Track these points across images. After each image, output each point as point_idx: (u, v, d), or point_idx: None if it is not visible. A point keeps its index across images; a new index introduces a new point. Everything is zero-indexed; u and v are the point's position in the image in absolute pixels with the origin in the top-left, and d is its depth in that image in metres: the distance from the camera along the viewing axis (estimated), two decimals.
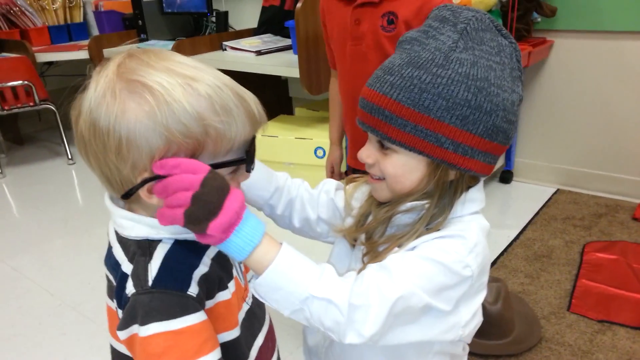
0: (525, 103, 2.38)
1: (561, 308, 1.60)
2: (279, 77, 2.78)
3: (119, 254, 0.62)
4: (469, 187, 0.71)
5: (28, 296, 1.85)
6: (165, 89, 0.54)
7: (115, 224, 0.64)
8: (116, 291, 0.61)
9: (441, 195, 0.68)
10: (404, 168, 0.67)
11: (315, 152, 2.25)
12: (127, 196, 0.59)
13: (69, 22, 3.42)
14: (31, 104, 2.92)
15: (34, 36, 3.23)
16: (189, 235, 0.61)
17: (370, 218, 0.75)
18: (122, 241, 0.63)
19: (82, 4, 3.46)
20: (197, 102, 0.55)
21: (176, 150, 0.56)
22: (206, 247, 0.63)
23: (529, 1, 2.08)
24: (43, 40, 3.28)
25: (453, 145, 0.64)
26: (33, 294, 1.86)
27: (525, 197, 2.35)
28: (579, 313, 1.56)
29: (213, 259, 0.64)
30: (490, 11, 2.07)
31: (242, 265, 0.73)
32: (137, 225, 0.61)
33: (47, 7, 3.31)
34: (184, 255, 0.61)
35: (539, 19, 2.18)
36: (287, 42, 2.55)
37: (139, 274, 0.59)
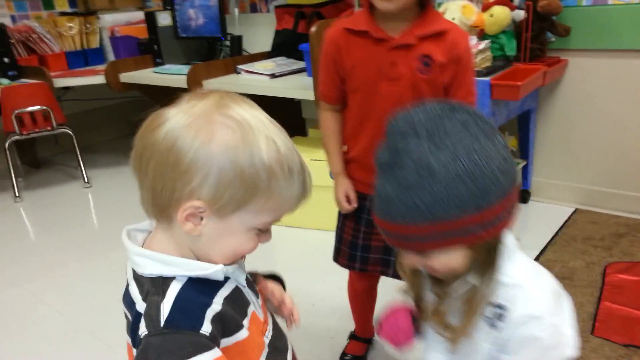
0: (540, 122, 2.37)
1: (585, 332, 1.56)
2: (292, 98, 2.80)
3: (134, 292, 0.63)
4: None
5: (45, 321, 1.85)
6: (254, 134, 0.59)
7: (131, 261, 0.64)
8: (131, 330, 0.62)
9: (485, 258, 0.75)
10: (449, 260, 0.73)
11: (330, 174, 2.24)
12: (161, 213, 0.61)
13: (85, 47, 3.48)
14: (49, 128, 2.96)
15: (52, 62, 3.30)
16: (201, 272, 0.62)
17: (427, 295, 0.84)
18: (138, 279, 0.63)
19: (98, 30, 3.52)
20: (273, 156, 0.60)
21: (234, 190, 0.59)
22: (219, 286, 0.64)
23: (542, 21, 2.08)
24: (60, 66, 3.34)
25: (480, 227, 0.68)
26: (50, 319, 1.86)
27: (544, 217, 2.32)
28: (603, 337, 1.53)
29: (226, 299, 0.64)
30: (503, 32, 2.08)
31: (260, 299, 0.73)
32: (151, 263, 0.62)
33: (65, 34, 3.38)
34: (196, 293, 0.62)
35: (553, 39, 2.18)
36: (301, 64, 2.57)
37: (151, 314, 0.59)
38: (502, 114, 2.02)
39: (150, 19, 3.11)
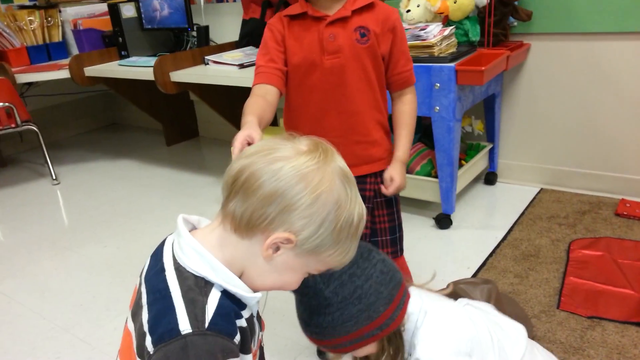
0: (505, 105, 2.43)
1: (551, 306, 1.63)
2: None
3: (172, 281, 0.65)
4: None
5: (20, 321, 1.83)
6: (355, 194, 0.68)
7: (180, 248, 0.67)
8: (155, 316, 0.63)
9: (395, 342, 0.93)
10: (366, 351, 0.92)
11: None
12: (247, 228, 0.66)
13: (47, 41, 3.40)
14: (13, 125, 2.89)
15: (13, 57, 3.21)
16: (238, 290, 0.67)
17: None
18: (179, 269, 0.66)
19: (60, 23, 3.44)
20: (358, 219, 0.68)
21: (324, 239, 0.65)
22: (244, 306, 0.69)
23: (505, 6, 2.13)
24: (22, 61, 3.25)
25: (378, 329, 0.87)
26: (25, 318, 1.84)
27: (510, 198, 2.39)
28: (569, 310, 1.60)
29: (247, 319, 0.69)
30: (467, 17, 2.12)
31: (262, 332, 0.79)
32: (201, 262, 0.65)
33: (25, 28, 3.29)
34: (231, 305, 0.66)
35: (516, 23, 2.23)
36: None
37: (197, 314, 0.62)
38: (468, 98, 2.07)
39: (113, 10, 3.04)
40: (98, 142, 3.84)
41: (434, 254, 2.00)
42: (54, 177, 3.07)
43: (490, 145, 2.45)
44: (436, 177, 2.14)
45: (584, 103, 2.25)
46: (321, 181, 0.63)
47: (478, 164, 2.40)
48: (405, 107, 1.25)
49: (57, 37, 3.44)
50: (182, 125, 3.65)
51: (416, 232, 2.15)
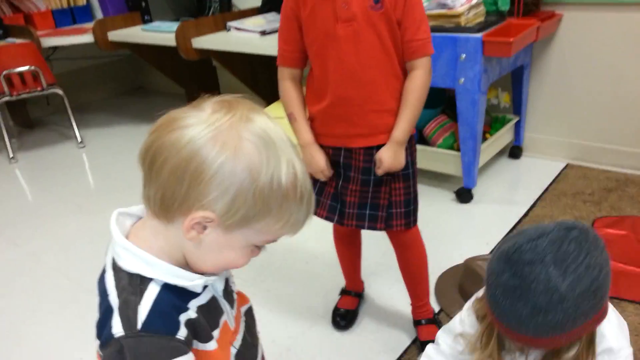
0: (534, 78, 2.36)
1: None
2: None
3: (110, 282, 0.63)
4: None
5: (46, 281, 1.90)
6: (277, 155, 0.59)
7: (114, 250, 0.64)
8: (99, 321, 0.62)
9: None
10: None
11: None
12: (165, 213, 0.60)
13: (72, 4, 3.40)
14: (39, 88, 2.93)
15: (38, 20, 3.23)
16: (179, 280, 0.62)
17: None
18: (116, 269, 0.63)
19: None
20: (290, 180, 0.60)
21: (248, 209, 0.59)
22: (194, 295, 0.65)
23: None
24: (47, 24, 3.27)
25: (597, 322, 0.82)
26: (50, 279, 1.91)
27: (535, 173, 2.34)
28: None
29: (200, 307, 0.65)
30: None
31: (234, 310, 0.74)
32: (134, 259, 0.62)
33: None
34: (173, 298, 0.62)
35: None
36: None
37: (129, 315, 0.59)
38: (495, 70, 2.01)
39: None
40: (123, 106, 3.88)
41: (453, 229, 1.99)
42: (80, 141, 3.12)
43: (517, 118, 2.39)
44: (458, 150, 2.10)
45: (617, 77, 2.17)
46: (223, 147, 0.57)
47: (503, 137, 2.35)
48: (412, 84, 1.19)
49: (81, 1, 3.43)
50: (205, 91, 3.64)
51: (436, 206, 2.13)
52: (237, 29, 2.56)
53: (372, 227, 1.32)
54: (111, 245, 0.65)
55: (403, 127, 1.21)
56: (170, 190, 0.58)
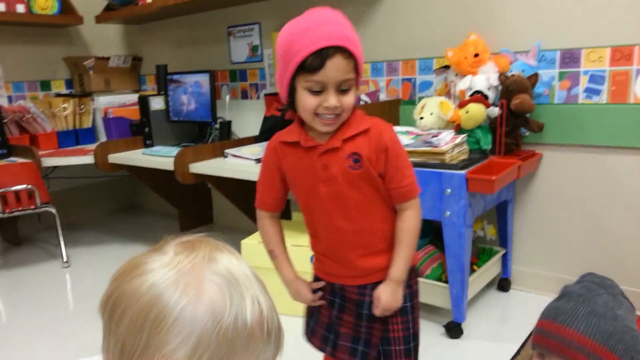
0: (518, 212, 2.43)
1: None
2: None
3: None
4: None
5: None
6: (241, 294, 0.58)
7: None
8: None
9: None
10: None
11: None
12: None
13: (77, 127, 3.56)
14: (32, 207, 2.96)
15: (43, 141, 3.36)
16: None
17: None
18: None
19: (92, 111, 3.63)
20: (256, 318, 0.58)
21: (211, 353, 0.56)
22: None
23: (516, 117, 2.19)
24: (51, 144, 3.40)
25: None
26: None
27: (525, 307, 2.31)
28: None
29: None
30: (479, 127, 2.18)
31: None
32: None
33: (58, 114, 3.47)
34: None
35: (527, 134, 2.29)
36: None
37: None
38: (480, 204, 2.08)
39: (143, 102, 3.22)
40: (114, 225, 3.89)
41: None
42: (65, 260, 3.08)
43: (504, 251, 2.42)
44: (447, 281, 2.09)
45: (595, 215, 2.24)
46: (185, 291, 0.55)
47: (491, 269, 2.36)
48: (404, 225, 1.22)
49: (87, 123, 3.61)
50: (197, 212, 3.70)
51: (425, 339, 2.03)
52: (234, 155, 2.68)
53: None
54: None
55: (400, 266, 1.21)
56: (130, 341, 0.56)
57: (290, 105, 1.16)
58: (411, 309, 1.28)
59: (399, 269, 1.21)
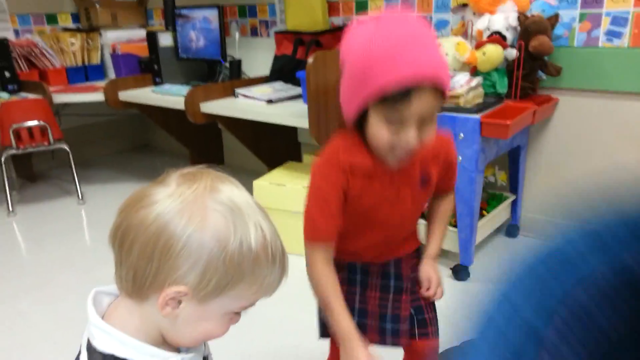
0: (531, 158, 2.41)
1: None
2: None
3: None
4: None
5: (33, 344, 1.85)
6: (244, 221, 0.60)
7: (89, 331, 0.64)
8: None
9: None
10: None
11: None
12: (138, 291, 0.61)
13: (86, 63, 3.53)
14: (46, 143, 2.98)
15: (52, 77, 3.34)
16: (154, 359, 0.62)
17: None
18: (90, 350, 0.63)
19: (100, 47, 3.57)
20: (260, 242, 0.61)
21: (220, 277, 0.59)
22: None
23: (534, 60, 2.13)
24: (61, 81, 3.38)
25: None
26: (38, 342, 1.86)
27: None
28: None
29: None
30: (496, 70, 2.12)
31: None
32: (108, 339, 0.62)
33: (66, 49, 3.43)
34: None
35: (545, 77, 2.23)
36: (298, 90, 2.61)
37: None
38: (492, 149, 2.06)
39: (151, 38, 3.15)
40: (127, 164, 3.93)
41: (449, 306, 1.96)
42: (80, 197, 3.14)
43: (513, 197, 2.42)
44: (456, 226, 2.11)
45: (608, 161, 2.21)
46: (190, 219, 0.58)
47: (500, 215, 2.37)
48: (446, 207, 1.21)
49: (95, 60, 3.57)
50: (208, 153, 3.72)
51: None
52: (245, 96, 2.65)
53: (396, 343, 1.22)
54: (87, 326, 0.66)
55: (439, 244, 1.22)
56: (141, 268, 0.59)
57: (357, 127, 1.00)
58: None
59: (437, 246, 1.22)
